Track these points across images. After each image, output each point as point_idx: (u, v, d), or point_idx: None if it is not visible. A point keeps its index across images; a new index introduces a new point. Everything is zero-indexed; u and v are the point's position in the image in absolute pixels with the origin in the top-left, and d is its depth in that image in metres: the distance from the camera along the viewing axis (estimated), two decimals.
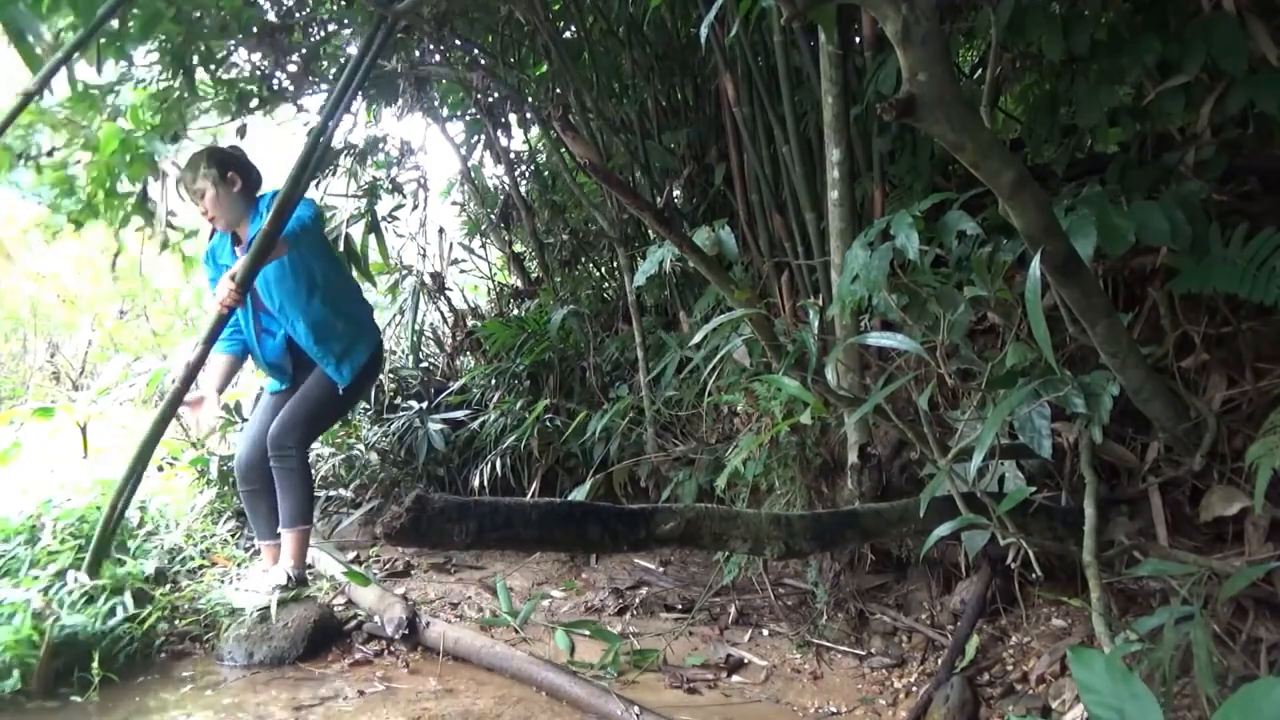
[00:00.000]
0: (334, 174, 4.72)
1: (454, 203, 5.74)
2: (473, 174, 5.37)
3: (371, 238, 4.69)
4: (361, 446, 4.37)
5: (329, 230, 4.56)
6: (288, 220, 2.71)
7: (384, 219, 4.78)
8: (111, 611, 2.52)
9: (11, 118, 2.72)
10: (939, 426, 2.27)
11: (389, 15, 2.88)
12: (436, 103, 4.92)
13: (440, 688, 2.46)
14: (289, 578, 2.87)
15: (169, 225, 3.53)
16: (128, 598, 2.57)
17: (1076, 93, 2.36)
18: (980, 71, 3.30)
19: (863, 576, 2.88)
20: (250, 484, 3.00)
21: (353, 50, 3.99)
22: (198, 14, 3.18)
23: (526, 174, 5.24)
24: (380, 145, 4.86)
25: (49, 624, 2.38)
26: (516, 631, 2.83)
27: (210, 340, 2.78)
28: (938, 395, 2.42)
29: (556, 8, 4.10)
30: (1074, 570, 2.11)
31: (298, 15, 3.74)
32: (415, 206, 5.14)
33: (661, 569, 3.55)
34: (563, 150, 4.31)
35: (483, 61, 4.40)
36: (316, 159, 2.87)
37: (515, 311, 4.93)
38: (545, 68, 4.35)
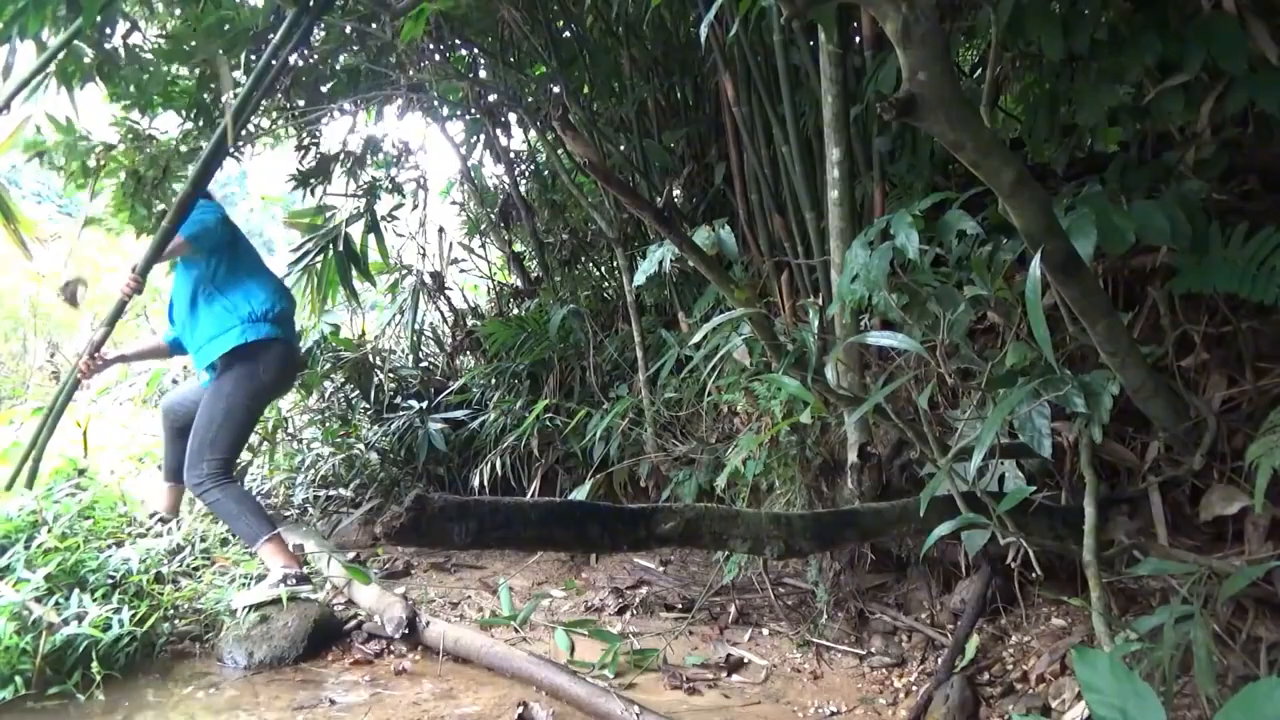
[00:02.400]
0: (329, 178, 4.71)
1: (454, 202, 5.73)
2: (473, 174, 5.37)
3: (371, 237, 4.69)
4: (361, 446, 4.37)
5: (328, 230, 4.57)
6: (184, 220, 2.98)
7: (383, 219, 4.78)
8: (108, 623, 2.52)
9: None
10: (939, 426, 2.28)
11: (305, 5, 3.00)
12: (436, 102, 4.92)
13: (440, 687, 2.46)
14: (285, 577, 2.87)
15: None
16: (125, 613, 2.57)
17: (1076, 92, 2.36)
18: (980, 70, 3.30)
19: (863, 576, 2.88)
20: (168, 423, 3.37)
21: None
22: None
23: (526, 174, 5.24)
24: (379, 145, 4.86)
25: (44, 630, 2.38)
26: (516, 631, 2.83)
27: (110, 322, 3.14)
28: (938, 395, 2.42)
29: (556, 7, 4.10)
30: (1074, 570, 2.11)
31: None
32: (415, 206, 5.14)
33: (661, 568, 3.55)
34: (560, 152, 4.31)
35: (483, 62, 4.40)
36: (219, 161, 3.22)
37: (515, 311, 4.92)
38: (544, 69, 4.34)
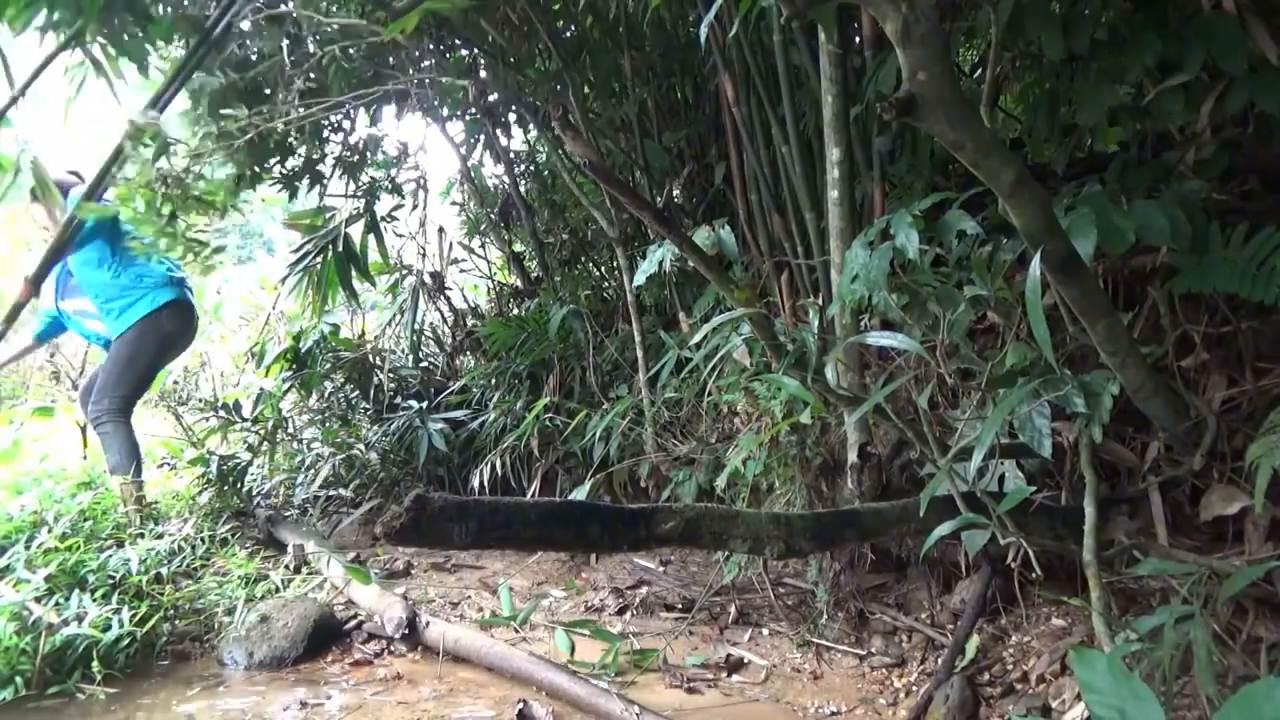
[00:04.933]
0: (317, 179, 4.68)
1: (454, 203, 5.73)
2: (473, 174, 5.36)
3: (371, 237, 4.68)
4: (361, 446, 4.37)
5: (327, 231, 4.56)
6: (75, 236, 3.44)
7: (383, 219, 4.77)
8: (108, 623, 2.52)
9: None
10: (939, 426, 2.28)
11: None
12: (436, 102, 4.91)
13: (440, 688, 2.46)
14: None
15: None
16: (125, 613, 2.57)
17: (1076, 92, 2.36)
18: (980, 70, 3.30)
19: (863, 576, 2.88)
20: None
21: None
22: None
23: (526, 174, 5.23)
24: (380, 144, 4.84)
25: (44, 630, 2.38)
26: (516, 631, 2.83)
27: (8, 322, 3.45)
28: (938, 395, 2.42)
29: (556, 7, 4.10)
30: (1074, 570, 2.11)
31: None
32: (415, 206, 5.13)
33: (662, 568, 3.55)
34: (561, 150, 4.31)
35: (483, 62, 4.39)
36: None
37: (515, 311, 4.92)
38: (544, 69, 4.34)
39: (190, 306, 3.93)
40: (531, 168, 5.22)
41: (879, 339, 2.08)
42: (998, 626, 2.46)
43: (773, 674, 2.53)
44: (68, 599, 2.54)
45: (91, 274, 3.68)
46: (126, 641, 2.53)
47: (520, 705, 2.20)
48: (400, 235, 5.20)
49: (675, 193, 4.06)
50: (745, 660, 2.61)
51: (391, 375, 4.82)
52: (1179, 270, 2.01)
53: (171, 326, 3.78)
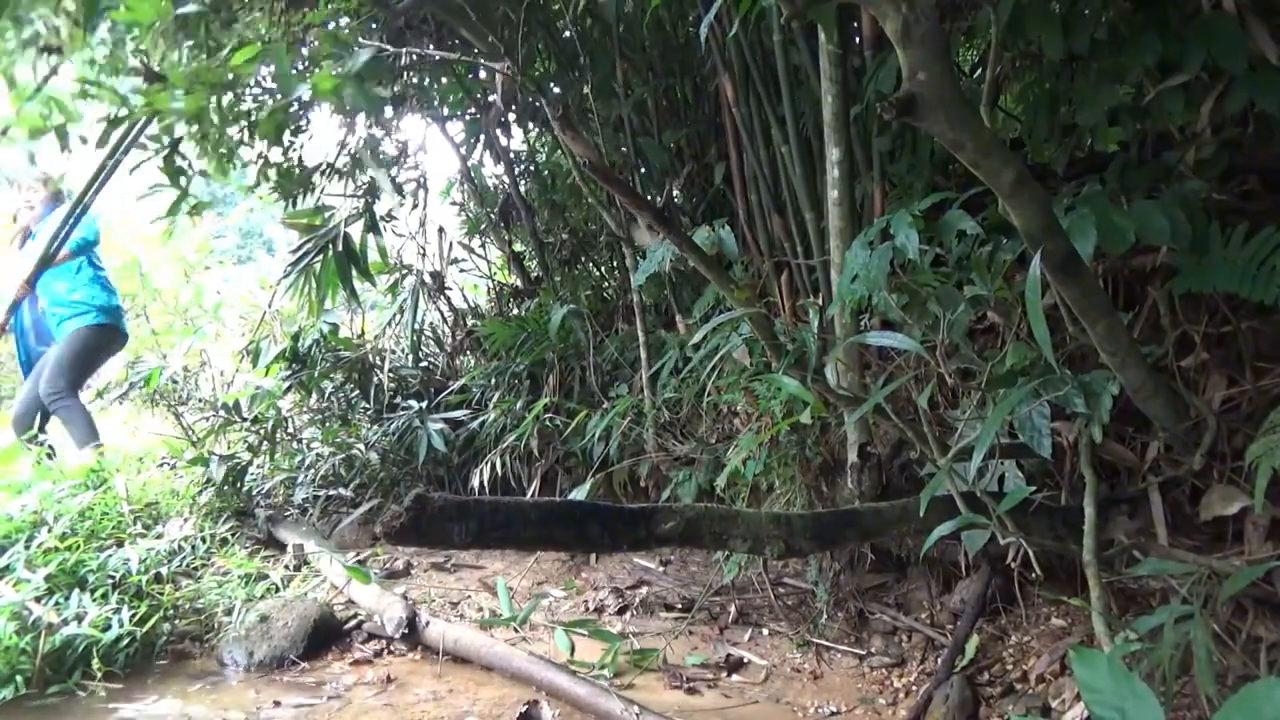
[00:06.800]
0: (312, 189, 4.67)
1: (454, 203, 5.73)
2: (473, 174, 5.36)
3: (370, 237, 4.67)
4: (361, 446, 4.37)
5: (327, 230, 4.55)
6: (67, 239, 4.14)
7: (383, 219, 4.76)
8: (108, 623, 2.52)
9: None
10: (939, 426, 2.28)
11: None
12: (436, 102, 4.91)
13: (440, 687, 2.46)
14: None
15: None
16: (125, 613, 2.57)
17: (1077, 91, 2.36)
18: (980, 70, 3.30)
19: (863, 576, 2.88)
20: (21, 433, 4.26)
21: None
22: None
23: (526, 174, 5.23)
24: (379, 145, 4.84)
25: (44, 630, 2.38)
26: (516, 631, 2.83)
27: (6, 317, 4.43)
28: (938, 394, 2.42)
29: (556, 7, 4.09)
30: (1074, 570, 2.11)
31: None
32: (415, 206, 5.13)
33: (661, 568, 3.55)
34: (560, 151, 4.31)
35: (484, 61, 4.38)
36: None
37: (515, 311, 4.92)
38: (544, 68, 4.34)
39: (118, 331, 4.63)
40: (531, 168, 5.22)
41: (879, 339, 2.08)
42: (998, 626, 2.46)
43: (773, 674, 2.53)
44: (68, 599, 2.54)
45: (54, 279, 4.30)
46: (126, 641, 2.53)
47: (525, 707, 2.20)
48: (400, 235, 5.20)
49: (675, 192, 4.05)
50: (745, 660, 2.61)
51: (391, 375, 4.82)
52: (1179, 270, 2.01)
53: (102, 342, 4.51)
